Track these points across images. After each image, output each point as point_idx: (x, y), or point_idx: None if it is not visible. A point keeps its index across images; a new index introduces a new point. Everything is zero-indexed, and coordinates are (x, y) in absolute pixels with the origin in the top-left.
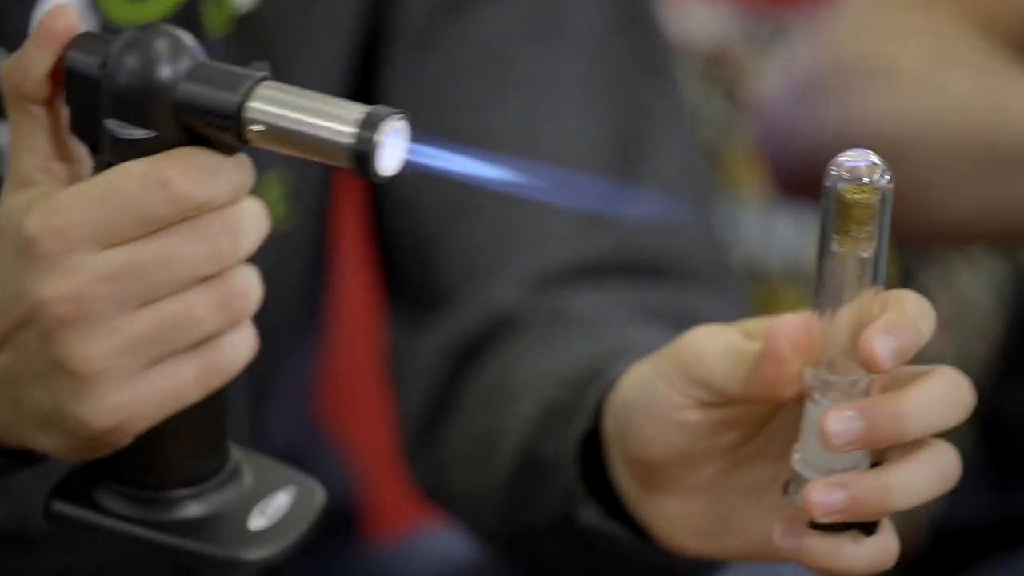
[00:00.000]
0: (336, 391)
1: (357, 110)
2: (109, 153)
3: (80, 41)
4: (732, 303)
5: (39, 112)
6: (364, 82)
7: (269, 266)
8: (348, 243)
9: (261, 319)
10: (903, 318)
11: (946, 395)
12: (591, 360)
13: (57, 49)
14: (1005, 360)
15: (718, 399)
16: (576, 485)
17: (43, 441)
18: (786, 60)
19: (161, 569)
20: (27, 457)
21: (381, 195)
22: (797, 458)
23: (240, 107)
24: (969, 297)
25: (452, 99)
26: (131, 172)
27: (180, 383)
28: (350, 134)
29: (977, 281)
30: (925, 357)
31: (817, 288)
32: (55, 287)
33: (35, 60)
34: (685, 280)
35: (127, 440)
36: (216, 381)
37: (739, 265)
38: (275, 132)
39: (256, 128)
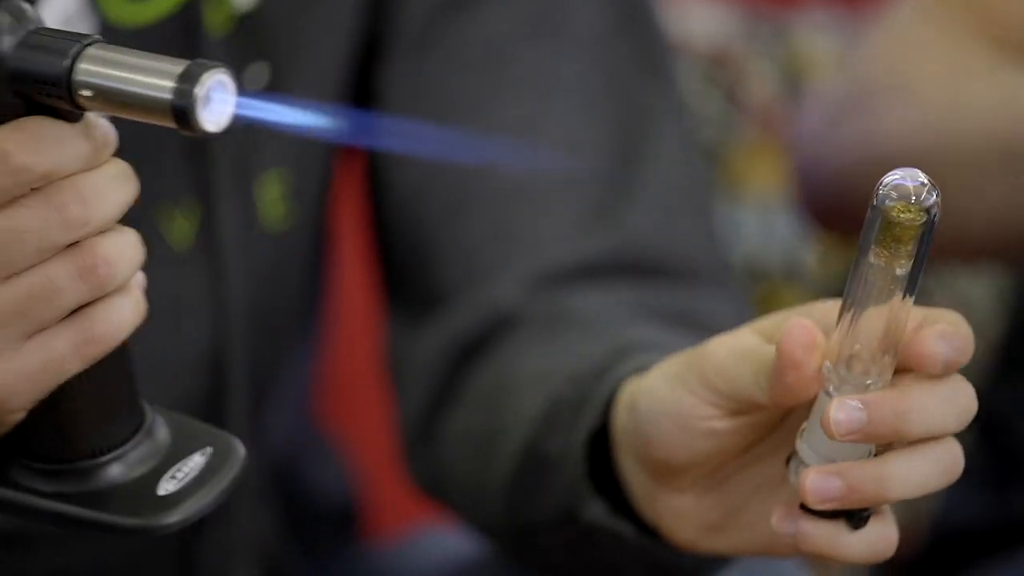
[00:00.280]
0: (336, 390)
1: (180, 65)
2: None
3: None
4: (732, 302)
5: None
6: (364, 82)
7: (268, 266)
8: (347, 242)
9: (260, 319)
10: (960, 332)
11: (951, 400)
12: (596, 358)
13: None
14: (1005, 360)
15: (745, 407)
16: (582, 481)
17: None
18: (815, 88)
19: (160, 568)
20: None
21: (380, 194)
22: (801, 441)
23: (68, 71)
24: (969, 297)
25: (451, 99)
26: None
27: (56, 355)
28: (169, 88)
29: (977, 282)
30: None
31: (847, 286)
32: None
33: None
34: (686, 279)
35: (13, 416)
36: (94, 350)
37: (739, 265)
38: (104, 94)
39: (86, 93)
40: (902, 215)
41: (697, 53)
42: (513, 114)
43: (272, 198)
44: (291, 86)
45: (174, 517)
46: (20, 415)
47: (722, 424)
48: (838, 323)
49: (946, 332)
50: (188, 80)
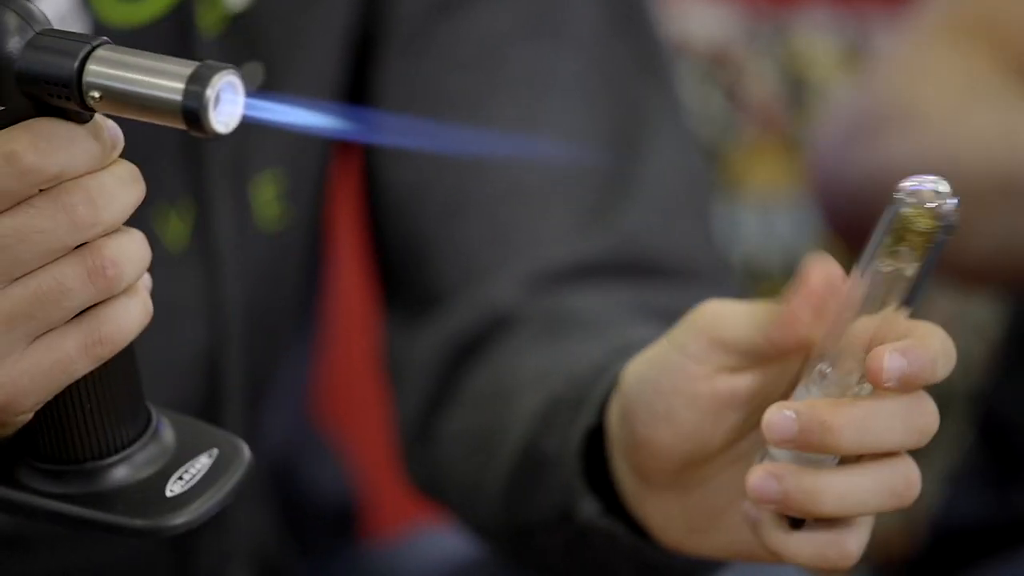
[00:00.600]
0: (333, 391)
1: (188, 66)
2: None
3: None
4: None
5: None
6: (359, 81)
7: (264, 266)
8: (344, 243)
9: (256, 319)
10: (924, 349)
11: (896, 419)
12: (595, 358)
13: None
14: (1005, 360)
15: (738, 359)
16: (577, 480)
17: None
18: (831, 105)
19: (159, 569)
20: None
21: (377, 194)
22: None
23: (78, 73)
24: (969, 297)
25: (448, 98)
26: None
27: (63, 356)
28: (180, 90)
29: None
30: None
31: (849, 287)
32: None
33: None
34: (684, 279)
35: (21, 417)
36: (102, 351)
37: (739, 265)
38: (113, 96)
39: (95, 94)
40: (916, 220)
41: (697, 53)
42: (510, 114)
43: (267, 199)
44: (285, 86)
45: (182, 518)
46: (27, 416)
47: (706, 386)
48: (834, 321)
49: (908, 348)
50: (198, 82)
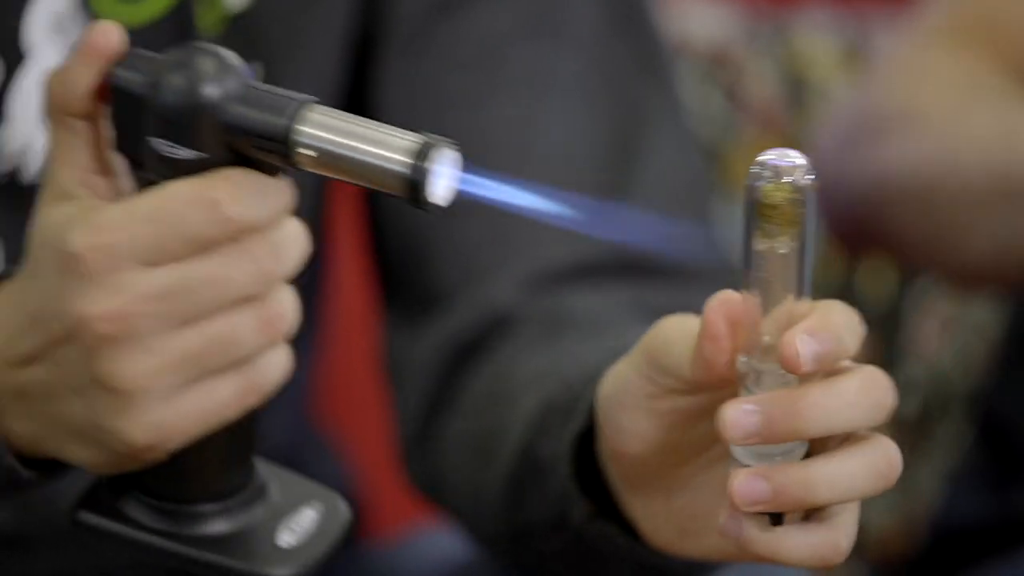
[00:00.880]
0: (334, 392)
1: (410, 138)
2: (152, 171)
3: (126, 59)
4: None
5: (81, 127)
6: (358, 81)
7: None
8: (344, 243)
9: None
10: (826, 325)
11: (857, 395)
12: (590, 360)
13: (102, 66)
14: (1005, 360)
15: (682, 386)
16: (569, 484)
17: (76, 453)
18: (831, 107)
19: (160, 570)
20: (53, 466)
21: (378, 195)
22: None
23: (289, 130)
24: (969, 297)
25: (447, 98)
26: (179, 192)
27: (219, 402)
28: (403, 163)
29: None
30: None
31: (743, 277)
32: (99, 305)
33: (79, 76)
34: (684, 279)
35: (163, 456)
36: (253, 399)
37: (738, 265)
38: (325, 157)
39: (306, 152)
40: (775, 194)
41: (697, 53)
42: (509, 114)
43: None
44: (285, 86)
45: (295, 568)
46: (164, 456)
47: (664, 404)
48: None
49: (811, 327)
50: (424, 156)
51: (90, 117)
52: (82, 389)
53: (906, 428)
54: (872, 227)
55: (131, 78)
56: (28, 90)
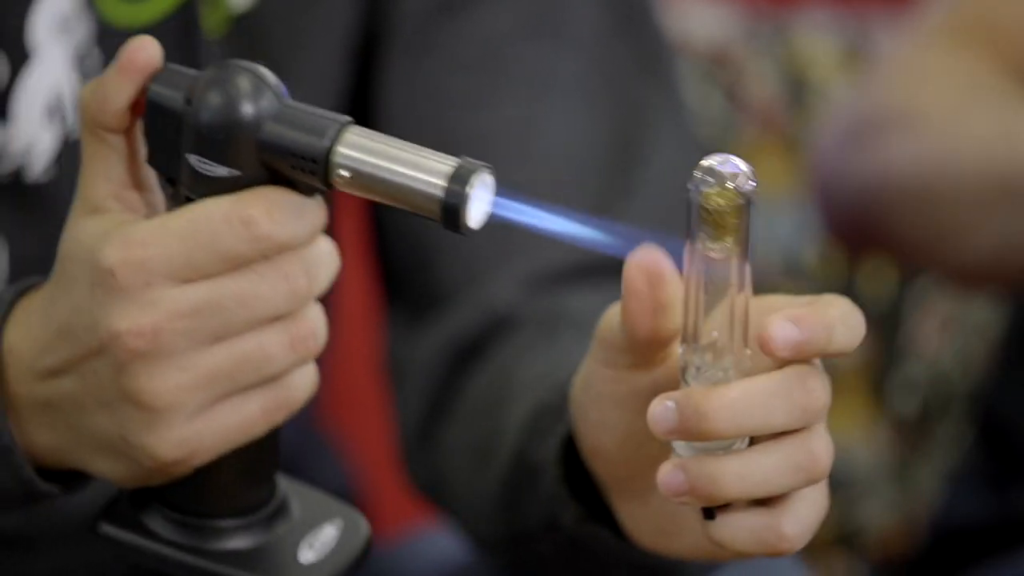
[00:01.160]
0: (335, 392)
1: (447, 162)
2: (187, 187)
3: (162, 74)
4: None
5: (116, 141)
6: (361, 82)
7: None
8: (346, 244)
9: None
10: (818, 317)
11: (773, 397)
12: (580, 362)
13: (139, 81)
14: (1005, 360)
15: (628, 358)
16: (559, 487)
17: (102, 466)
18: (831, 107)
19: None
20: (72, 477)
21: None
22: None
23: (328, 152)
24: (969, 297)
25: (449, 98)
26: (214, 209)
27: (247, 418)
28: (441, 187)
29: None
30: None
31: (684, 275)
32: (131, 320)
33: (116, 91)
34: None
35: (189, 471)
36: (280, 417)
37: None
38: (362, 179)
39: (344, 173)
40: (718, 199)
41: (697, 53)
42: (511, 114)
43: None
44: (288, 87)
45: None
46: (191, 471)
47: (622, 388)
48: (683, 309)
49: (800, 317)
50: (461, 181)
51: (125, 131)
52: (110, 403)
53: (906, 428)
54: (872, 227)
55: (167, 94)
56: (32, 89)
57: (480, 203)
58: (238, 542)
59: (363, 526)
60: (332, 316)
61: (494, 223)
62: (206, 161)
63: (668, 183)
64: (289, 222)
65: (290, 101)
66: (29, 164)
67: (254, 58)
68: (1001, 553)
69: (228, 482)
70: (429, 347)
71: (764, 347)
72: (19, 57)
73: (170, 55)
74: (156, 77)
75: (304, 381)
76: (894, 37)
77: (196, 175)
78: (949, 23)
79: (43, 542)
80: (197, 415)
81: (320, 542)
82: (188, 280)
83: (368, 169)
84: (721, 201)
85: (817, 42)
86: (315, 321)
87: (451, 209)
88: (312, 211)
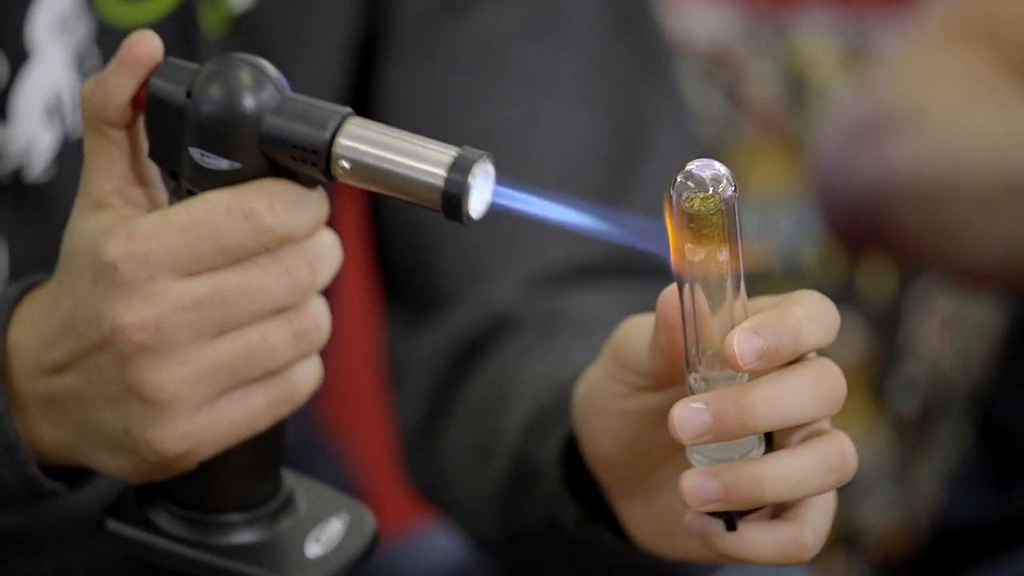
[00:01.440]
0: (336, 392)
1: (447, 152)
2: (189, 180)
3: (163, 69)
4: None
5: (118, 136)
6: (362, 82)
7: None
8: (347, 244)
9: None
10: (778, 320)
11: (806, 387)
12: (580, 362)
13: (140, 76)
14: (1005, 360)
15: (645, 381)
16: (560, 488)
17: (107, 461)
18: (833, 107)
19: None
20: (77, 474)
21: (379, 197)
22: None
23: (330, 143)
24: (969, 297)
25: (450, 98)
26: (216, 202)
27: (251, 412)
28: (441, 176)
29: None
30: (925, 357)
31: (679, 288)
32: (135, 313)
33: (118, 85)
34: None
35: (194, 465)
36: (285, 410)
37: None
38: (363, 170)
39: (344, 165)
40: (700, 205)
41: (697, 53)
42: (512, 114)
43: None
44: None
45: None
46: (195, 465)
47: (632, 403)
48: (682, 339)
49: (759, 324)
50: (460, 170)
51: (127, 126)
52: (114, 397)
53: (906, 428)
54: (876, 226)
55: (168, 88)
56: (32, 89)
57: (481, 192)
58: (244, 537)
59: (369, 520)
60: (332, 315)
61: (495, 222)
62: (208, 154)
63: (667, 182)
64: (291, 214)
65: (291, 93)
66: (29, 164)
67: None
68: (1001, 553)
69: (234, 477)
70: (429, 347)
71: (731, 364)
72: (19, 57)
73: (170, 55)
74: (157, 71)
75: (308, 374)
76: (894, 37)
77: (198, 168)
78: (949, 22)
79: (47, 541)
80: (201, 409)
81: (326, 536)
82: (191, 273)
83: (369, 160)
84: (705, 207)
85: (817, 42)
86: (318, 314)
87: (452, 198)
88: (314, 203)
